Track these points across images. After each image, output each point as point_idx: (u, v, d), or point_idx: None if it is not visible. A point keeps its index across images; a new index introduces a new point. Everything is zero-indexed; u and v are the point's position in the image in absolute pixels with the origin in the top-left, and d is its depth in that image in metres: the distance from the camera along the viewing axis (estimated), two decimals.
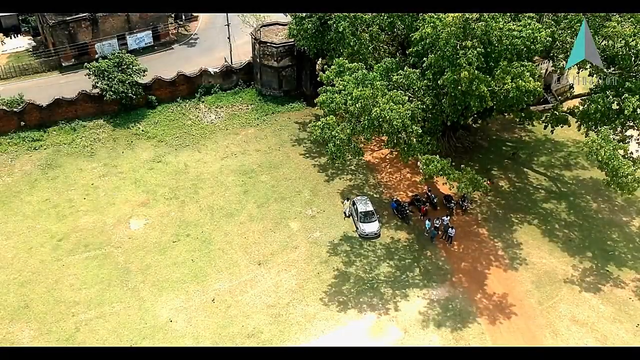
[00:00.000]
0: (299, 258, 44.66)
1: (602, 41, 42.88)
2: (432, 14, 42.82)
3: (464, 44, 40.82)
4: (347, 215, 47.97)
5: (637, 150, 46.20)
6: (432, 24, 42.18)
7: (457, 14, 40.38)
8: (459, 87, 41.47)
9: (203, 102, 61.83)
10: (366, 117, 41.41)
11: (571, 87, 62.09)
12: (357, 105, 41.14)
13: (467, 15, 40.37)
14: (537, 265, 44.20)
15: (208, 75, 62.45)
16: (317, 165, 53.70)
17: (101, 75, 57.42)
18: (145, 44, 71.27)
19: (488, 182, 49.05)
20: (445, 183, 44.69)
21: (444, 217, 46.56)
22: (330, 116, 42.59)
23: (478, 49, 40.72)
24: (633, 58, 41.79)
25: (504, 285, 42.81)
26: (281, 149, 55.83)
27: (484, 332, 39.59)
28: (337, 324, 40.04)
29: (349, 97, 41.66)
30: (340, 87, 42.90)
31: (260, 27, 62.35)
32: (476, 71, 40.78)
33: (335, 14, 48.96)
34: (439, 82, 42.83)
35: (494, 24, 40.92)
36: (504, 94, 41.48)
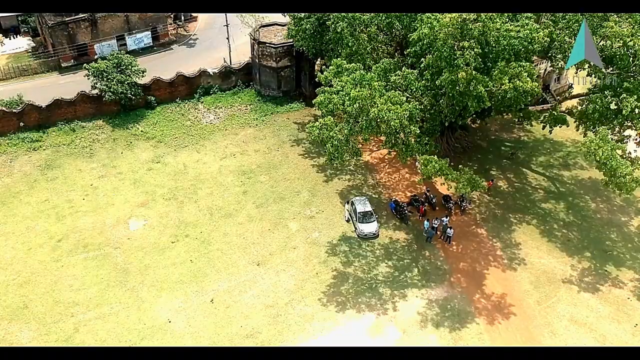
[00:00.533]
0: (297, 258, 44.71)
1: (600, 41, 42.91)
2: (430, 15, 42.79)
3: (461, 44, 40.81)
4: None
5: (635, 150, 46.30)
6: (429, 25, 42.19)
7: (454, 15, 40.32)
8: (457, 88, 41.47)
9: (202, 102, 61.87)
10: (364, 118, 41.42)
11: (570, 87, 62.11)
12: (355, 105, 41.10)
13: (464, 15, 40.32)
14: (536, 265, 44.24)
15: (207, 76, 62.45)
16: (315, 166, 53.74)
17: (100, 76, 57.47)
18: (145, 44, 71.39)
19: (489, 183, 49.10)
20: (444, 183, 44.59)
21: (443, 218, 46.59)
22: (328, 117, 42.60)
23: (475, 50, 40.69)
24: (631, 58, 41.87)
25: (502, 285, 42.86)
26: (280, 149, 55.88)
27: (482, 332, 39.65)
28: (336, 324, 40.08)
29: (347, 98, 41.61)
30: (338, 87, 42.86)
31: (259, 27, 62.38)
32: (474, 72, 40.78)
33: (334, 14, 48.96)
34: (436, 82, 42.82)
35: (491, 25, 40.92)
36: (502, 94, 41.47)
